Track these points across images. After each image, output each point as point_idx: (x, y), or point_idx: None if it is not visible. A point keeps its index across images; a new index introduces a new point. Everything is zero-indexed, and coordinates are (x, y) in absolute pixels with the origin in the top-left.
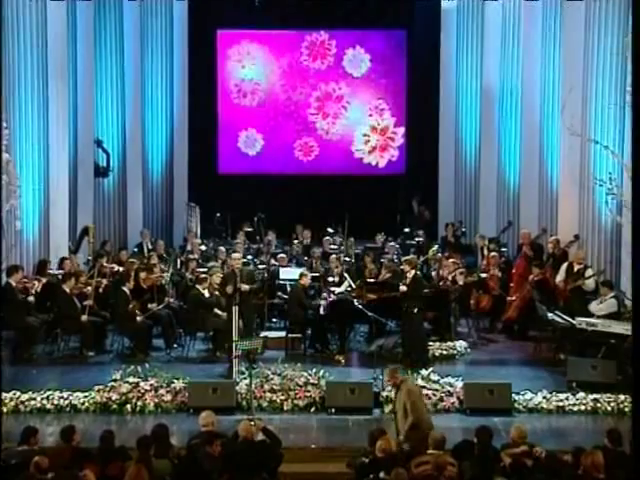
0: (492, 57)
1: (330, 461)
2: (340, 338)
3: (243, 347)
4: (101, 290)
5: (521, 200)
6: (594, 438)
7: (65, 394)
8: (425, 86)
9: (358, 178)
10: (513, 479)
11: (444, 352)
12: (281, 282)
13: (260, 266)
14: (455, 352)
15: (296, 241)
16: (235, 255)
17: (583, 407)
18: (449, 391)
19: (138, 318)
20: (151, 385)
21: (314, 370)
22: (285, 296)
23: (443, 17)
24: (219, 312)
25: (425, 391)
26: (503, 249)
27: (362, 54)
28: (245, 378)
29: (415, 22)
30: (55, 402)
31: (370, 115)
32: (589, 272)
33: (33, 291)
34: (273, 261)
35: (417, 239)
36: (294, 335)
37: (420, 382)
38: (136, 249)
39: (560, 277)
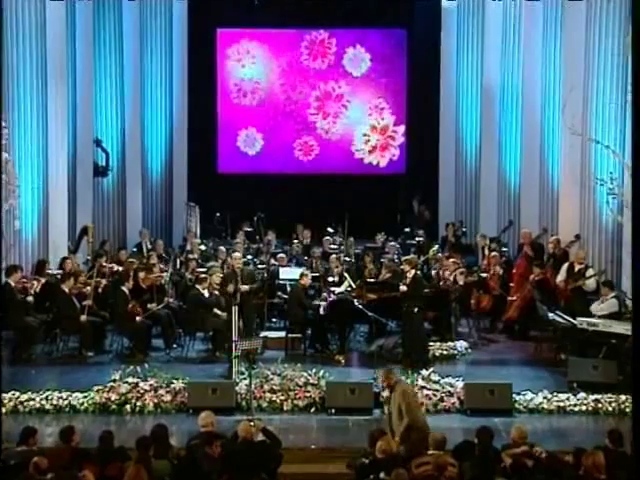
0: (493, 56)
1: (330, 462)
2: (340, 338)
3: (243, 347)
4: (100, 290)
5: (522, 200)
6: (595, 438)
7: (64, 394)
8: (425, 85)
9: (358, 178)
10: None
11: (444, 352)
12: (281, 282)
13: (260, 266)
14: (455, 352)
15: (296, 241)
16: (236, 255)
17: (584, 407)
18: (449, 391)
19: (137, 318)
20: (150, 385)
21: (314, 370)
22: (285, 296)
23: (443, 16)
24: (219, 312)
25: (425, 391)
26: (504, 249)
27: (362, 53)
28: (245, 378)
29: (415, 21)
30: (54, 402)
31: (370, 115)
32: (590, 272)
33: (32, 291)
34: (273, 261)
35: (417, 239)
36: (294, 335)
37: (420, 382)
38: (135, 249)
39: (561, 277)
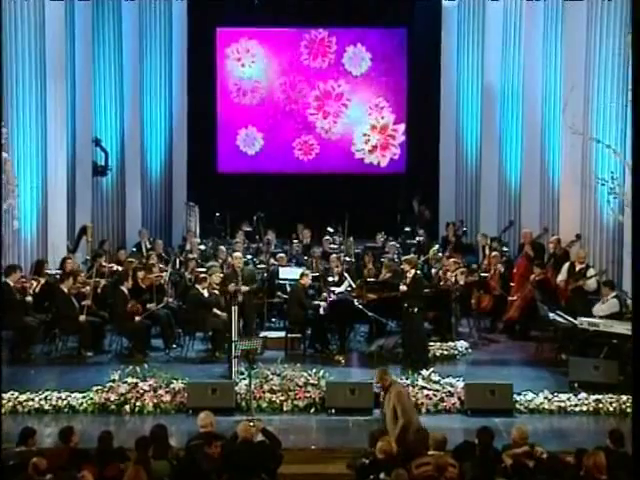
0: (493, 55)
1: (330, 462)
2: (340, 338)
3: (242, 347)
4: (99, 290)
5: (522, 199)
6: (596, 439)
7: (63, 395)
8: (426, 85)
9: (358, 177)
10: None
11: (445, 352)
12: (280, 282)
13: (259, 266)
14: (456, 352)
15: (296, 241)
16: (236, 254)
17: (585, 408)
18: (450, 391)
19: (137, 318)
20: (150, 385)
21: (314, 370)
22: (285, 296)
23: (444, 15)
24: (218, 312)
25: (426, 391)
26: (504, 248)
27: (363, 52)
28: (244, 378)
29: (416, 20)
30: (53, 403)
31: (370, 114)
32: (591, 272)
33: (31, 291)
34: (272, 261)
35: (418, 238)
36: (294, 335)
37: (421, 382)
38: (134, 249)
39: (562, 277)
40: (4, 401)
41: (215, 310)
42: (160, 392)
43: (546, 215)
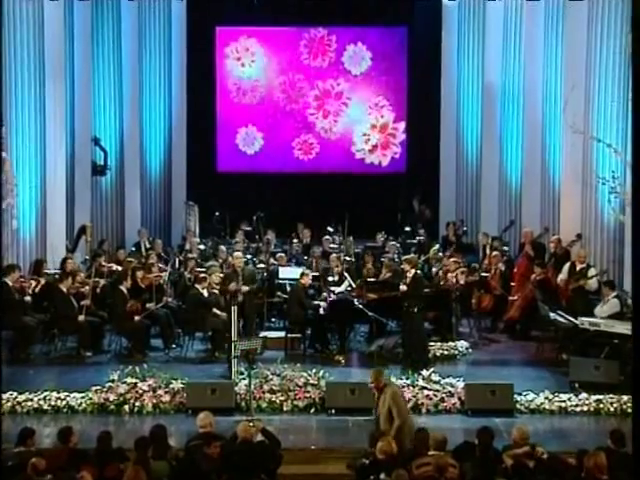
0: (494, 54)
1: (330, 462)
2: (340, 338)
3: (242, 347)
4: (98, 290)
5: (523, 199)
6: (597, 439)
7: (62, 395)
8: (426, 84)
9: (358, 176)
10: None
11: (445, 352)
12: (280, 281)
13: (259, 265)
14: (456, 352)
15: (295, 240)
16: (237, 254)
17: (586, 408)
18: (450, 392)
19: (136, 318)
20: (149, 386)
21: (314, 370)
22: (284, 296)
23: (444, 14)
24: (218, 312)
25: (426, 392)
26: (505, 248)
27: (363, 51)
28: (244, 379)
29: (416, 19)
30: (52, 403)
31: (369, 114)
32: (592, 272)
33: (30, 291)
34: (272, 260)
35: (418, 238)
36: (294, 335)
37: (421, 382)
38: (134, 248)
39: (562, 276)
40: (3, 401)
41: (215, 310)
42: (159, 392)
43: (547, 214)
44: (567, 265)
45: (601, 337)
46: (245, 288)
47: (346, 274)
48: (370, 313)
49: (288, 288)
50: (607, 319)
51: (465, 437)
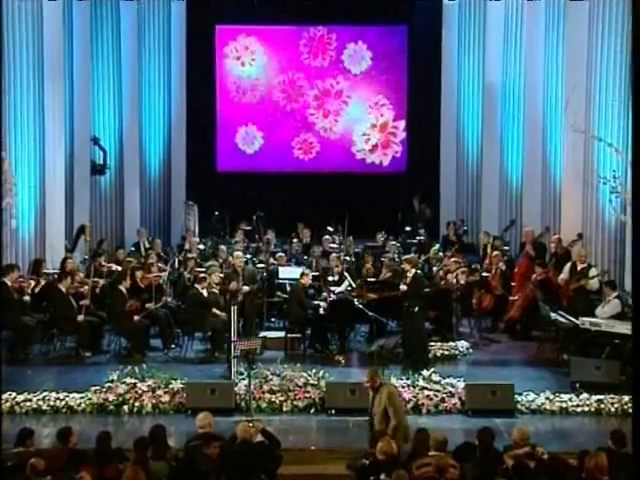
0: (494, 54)
1: (330, 463)
2: (340, 338)
3: (242, 347)
4: (98, 290)
5: (524, 198)
6: (598, 439)
7: (61, 395)
8: (426, 83)
9: (358, 176)
10: None
11: (446, 352)
12: (280, 281)
13: (259, 265)
14: (457, 352)
15: (295, 240)
16: (237, 254)
17: (587, 408)
18: (451, 392)
19: (135, 318)
20: (148, 386)
21: (314, 371)
22: (284, 295)
23: (445, 13)
24: (218, 312)
25: (426, 392)
26: (505, 247)
27: (363, 50)
28: (244, 379)
29: (416, 18)
30: (51, 403)
31: (369, 113)
32: (593, 272)
33: (29, 290)
34: (272, 260)
35: (418, 238)
36: (293, 335)
37: (421, 383)
38: (133, 248)
39: (563, 276)
40: (2, 401)
41: (214, 310)
42: (159, 392)
43: (547, 214)
44: (568, 265)
45: (602, 337)
46: (245, 288)
47: (346, 274)
48: (370, 313)
49: (288, 288)
50: (608, 319)
51: (466, 437)
